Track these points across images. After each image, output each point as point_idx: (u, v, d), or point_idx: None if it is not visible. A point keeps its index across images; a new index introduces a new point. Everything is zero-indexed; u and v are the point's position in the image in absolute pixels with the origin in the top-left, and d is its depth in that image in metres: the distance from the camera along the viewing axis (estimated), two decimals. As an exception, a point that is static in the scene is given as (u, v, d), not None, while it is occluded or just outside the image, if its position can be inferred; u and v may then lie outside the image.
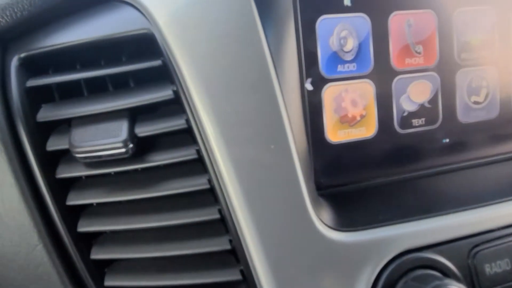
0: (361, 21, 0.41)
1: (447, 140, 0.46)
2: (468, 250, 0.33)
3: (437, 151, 0.46)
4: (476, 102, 0.46)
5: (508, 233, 0.34)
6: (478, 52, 0.46)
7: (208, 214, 0.31)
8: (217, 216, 0.31)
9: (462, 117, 0.46)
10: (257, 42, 0.32)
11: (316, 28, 0.39)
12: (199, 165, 0.32)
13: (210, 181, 0.31)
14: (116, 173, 0.34)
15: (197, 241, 0.31)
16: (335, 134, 0.41)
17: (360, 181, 0.42)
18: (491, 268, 0.33)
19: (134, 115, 0.34)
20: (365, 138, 0.43)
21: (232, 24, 0.32)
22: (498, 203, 0.35)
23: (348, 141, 0.42)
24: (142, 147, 0.34)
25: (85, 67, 0.38)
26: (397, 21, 0.42)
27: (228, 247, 0.31)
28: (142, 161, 0.32)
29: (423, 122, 0.44)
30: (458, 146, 0.46)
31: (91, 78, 0.36)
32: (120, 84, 0.37)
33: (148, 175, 0.33)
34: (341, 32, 0.40)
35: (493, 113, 0.47)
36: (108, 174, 0.33)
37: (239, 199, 0.30)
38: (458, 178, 0.43)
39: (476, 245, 0.33)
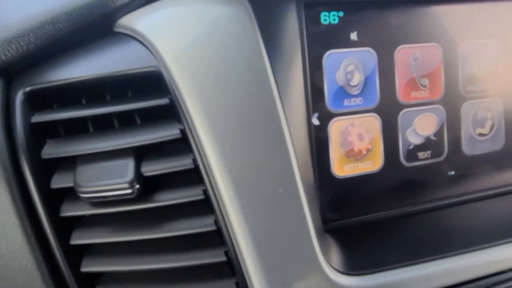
0: (368, 56, 0.41)
1: (453, 173, 0.46)
2: (479, 293, 0.33)
3: (443, 184, 0.45)
4: (481, 134, 0.46)
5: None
6: (483, 85, 0.46)
7: (215, 256, 0.31)
8: (223, 258, 0.31)
9: (468, 149, 0.46)
10: (265, 80, 0.32)
11: (323, 63, 0.39)
12: (206, 205, 0.32)
13: (216, 222, 0.31)
14: (121, 212, 0.33)
15: (202, 284, 0.31)
16: (341, 168, 0.41)
17: (366, 215, 0.42)
18: (502, 312, 0.32)
19: (140, 153, 0.34)
20: (371, 172, 0.42)
21: (240, 62, 0.32)
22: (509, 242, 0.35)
23: (355, 175, 0.42)
24: (148, 185, 0.33)
25: (91, 101, 0.38)
26: (403, 54, 0.42)
27: (234, 290, 0.31)
28: (148, 201, 0.32)
29: (429, 155, 0.44)
30: (463, 178, 0.46)
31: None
32: (126, 120, 0.37)
33: (154, 214, 0.33)
34: (347, 66, 0.40)
35: (498, 145, 0.47)
36: (113, 213, 0.33)
37: (247, 242, 0.30)
38: (465, 212, 0.43)
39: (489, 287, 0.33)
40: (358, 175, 0.41)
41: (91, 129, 0.37)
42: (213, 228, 0.31)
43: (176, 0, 0.37)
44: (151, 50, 0.34)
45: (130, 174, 0.32)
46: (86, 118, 0.37)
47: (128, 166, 0.32)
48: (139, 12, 0.39)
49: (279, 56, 0.34)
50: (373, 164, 0.42)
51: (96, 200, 0.32)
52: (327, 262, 0.30)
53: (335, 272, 0.30)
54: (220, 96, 0.31)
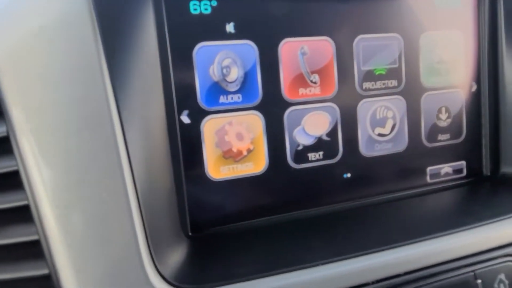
0: (247, 49, 0.38)
1: (349, 175, 0.43)
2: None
3: (338, 187, 0.42)
4: (381, 135, 0.44)
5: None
6: (382, 82, 0.43)
7: (38, 269, 0.28)
8: (45, 271, 0.28)
9: (366, 150, 0.43)
10: (96, 80, 0.28)
11: (193, 56, 0.36)
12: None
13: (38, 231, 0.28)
14: None
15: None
16: (217, 170, 0.38)
17: (246, 221, 0.39)
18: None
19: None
20: (253, 174, 0.39)
21: (68, 59, 0.28)
22: (369, 253, 0.32)
23: (233, 177, 0.39)
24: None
25: None
26: (288, 49, 0.39)
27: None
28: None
29: (321, 156, 0.42)
30: (361, 181, 0.43)
31: None
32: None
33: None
34: (223, 60, 0.37)
35: (401, 146, 0.45)
36: None
37: (66, 256, 0.27)
38: (357, 217, 0.40)
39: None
40: (237, 177, 0.38)
41: None
42: (35, 237, 0.28)
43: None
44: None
45: None
46: None
47: None
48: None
49: (125, 50, 0.31)
50: (256, 166, 0.39)
51: None
52: (160, 273, 0.27)
53: (165, 284, 0.27)
54: (44, 96, 0.28)
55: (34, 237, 0.28)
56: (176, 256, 0.31)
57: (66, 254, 0.27)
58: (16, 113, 0.28)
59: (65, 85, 0.28)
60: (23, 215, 0.29)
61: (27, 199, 0.28)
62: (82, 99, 0.28)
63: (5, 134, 0.29)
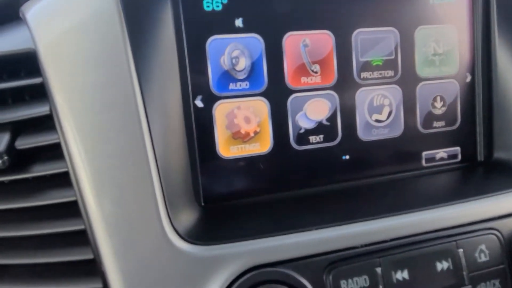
0: (254, 42, 0.43)
1: (347, 157, 0.47)
2: (324, 266, 0.34)
3: (337, 168, 0.47)
4: (378, 121, 0.47)
5: (367, 251, 0.35)
6: (379, 72, 0.47)
7: (73, 225, 0.33)
8: (82, 226, 0.33)
9: (363, 134, 0.47)
10: (122, 67, 0.34)
11: (206, 48, 0.41)
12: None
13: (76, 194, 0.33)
14: (-2, 183, 0.36)
15: (61, 249, 0.34)
16: (227, 149, 0.43)
17: (252, 195, 0.44)
18: (347, 285, 0.34)
19: (19, 128, 0.37)
20: (259, 154, 0.44)
21: (101, 50, 0.34)
22: (359, 221, 0.36)
23: (241, 156, 0.43)
24: (24, 160, 0.36)
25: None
26: (292, 41, 0.44)
27: (90, 256, 0.33)
28: (17, 173, 0.34)
29: (321, 139, 0.46)
30: (359, 163, 0.47)
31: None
32: (18, 97, 0.40)
33: (26, 186, 0.35)
34: (232, 52, 0.42)
35: (397, 131, 0.48)
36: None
37: (99, 214, 0.32)
38: (350, 195, 0.44)
39: (333, 262, 0.34)
40: (245, 156, 0.43)
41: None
42: (73, 198, 0.33)
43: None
44: (31, 33, 0.37)
45: (1, 146, 0.34)
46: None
47: (2, 140, 0.35)
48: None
49: (147, 42, 0.36)
50: (262, 146, 0.44)
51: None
52: (175, 230, 0.32)
53: (178, 238, 0.32)
54: (81, 81, 0.34)
55: (72, 198, 0.33)
56: (190, 219, 0.36)
57: (99, 212, 0.32)
58: (57, 95, 0.34)
59: (98, 72, 0.34)
60: (63, 180, 0.35)
61: (67, 167, 0.34)
62: (112, 84, 0.34)
63: (48, 112, 0.35)
